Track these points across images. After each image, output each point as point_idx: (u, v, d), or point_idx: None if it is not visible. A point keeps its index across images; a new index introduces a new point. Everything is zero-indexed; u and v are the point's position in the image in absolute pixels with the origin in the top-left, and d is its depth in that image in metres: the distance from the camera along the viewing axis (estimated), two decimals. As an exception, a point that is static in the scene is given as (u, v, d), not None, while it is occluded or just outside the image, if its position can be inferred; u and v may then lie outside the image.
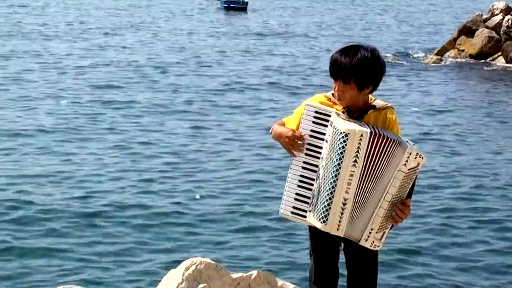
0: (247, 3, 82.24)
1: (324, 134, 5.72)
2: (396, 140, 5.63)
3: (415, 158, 5.64)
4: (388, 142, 5.61)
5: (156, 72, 37.22)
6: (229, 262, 13.48)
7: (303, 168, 5.83)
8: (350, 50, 5.79)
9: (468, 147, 24.15)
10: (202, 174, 20.59)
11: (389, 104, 6.02)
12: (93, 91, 31.42)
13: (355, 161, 5.59)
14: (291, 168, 5.88)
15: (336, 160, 5.60)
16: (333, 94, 5.91)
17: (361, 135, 5.56)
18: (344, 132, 5.56)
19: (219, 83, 34.40)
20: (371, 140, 5.57)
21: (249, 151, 22.80)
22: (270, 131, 6.03)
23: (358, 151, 5.57)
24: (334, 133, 5.62)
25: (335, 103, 5.87)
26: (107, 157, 21.70)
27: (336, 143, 5.60)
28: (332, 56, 5.83)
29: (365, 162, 5.60)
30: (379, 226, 5.77)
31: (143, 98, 30.38)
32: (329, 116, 5.72)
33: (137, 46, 47.34)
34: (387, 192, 5.69)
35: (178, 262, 8.67)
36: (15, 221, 16.38)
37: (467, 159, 22.68)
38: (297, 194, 5.85)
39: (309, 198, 5.81)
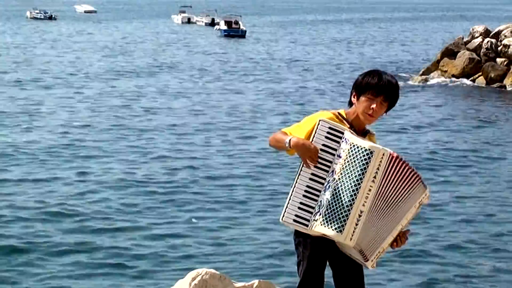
0: (245, 31, 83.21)
1: (334, 149, 5.71)
2: (415, 171, 5.73)
3: (428, 196, 5.80)
4: (407, 167, 5.69)
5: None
6: (233, 272, 13.41)
7: (310, 179, 5.78)
8: (390, 75, 5.95)
9: (454, 160, 24.13)
10: (207, 187, 20.58)
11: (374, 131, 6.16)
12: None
13: (375, 177, 5.63)
14: (297, 178, 5.81)
15: (358, 174, 5.63)
16: (340, 114, 5.95)
17: (384, 154, 5.62)
18: (369, 149, 5.61)
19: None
20: (390, 159, 5.64)
21: (251, 168, 22.77)
22: (270, 139, 5.99)
23: (378, 168, 5.63)
24: (352, 149, 5.64)
25: (342, 121, 5.87)
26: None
27: (357, 159, 5.62)
28: (382, 75, 5.90)
29: (382, 178, 5.65)
30: (383, 250, 5.85)
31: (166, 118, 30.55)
32: (342, 133, 5.71)
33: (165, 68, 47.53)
34: (399, 223, 5.78)
35: (185, 271, 8.63)
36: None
37: (451, 173, 22.70)
38: (301, 203, 5.78)
39: (312, 208, 5.76)
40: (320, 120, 5.75)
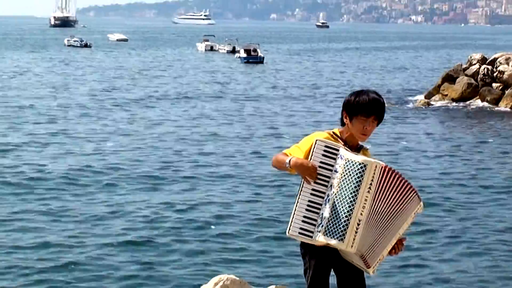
0: (262, 58, 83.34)
1: (331, 165, 5.77)
2: (409, 183, 5.81)
3: (421, 206, 5.88)
4: (400, 179, 5.77)
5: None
6: (252, 277, 13.40)
7: (312, 194, 5.84)
8: (375, 92, 6.02)
9: (454, 175, 24.08)
10: (226, 195, 20.68)
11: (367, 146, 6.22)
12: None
13: (370, 187, 5.70)
14: (300, 194, 5.88)
15: (354, 186, 5.69)
16: (334, 133, 6.02)
17: (376, 166, 5.69)
18: (362, 163, 5.68)
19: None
20: (384, 171, 5.71)
21: (268, 178, 22.80)
22: (272, 160, 6.07)
23: (372, 179, 5.69)
24: (347, 164, 5.71)
25: (336, 140, 5.95)
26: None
27: (352, 172, 5.69)
28: (369, 95, 5.96)
29: (376, 189, 5.72)
30: (383, 257, 5.93)
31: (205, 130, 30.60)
32: (337, 150, 5.78)
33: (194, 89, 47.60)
34: (398, 232, 5.86)
35: (208, 277, 8.64)
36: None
37: (454, 185, 22.63)
38: (304, 217, 5.84)
39: (315, 220, 5.82)
40: (316, 140, 5.84)
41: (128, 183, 22.36)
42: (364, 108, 5.90)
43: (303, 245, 6.06)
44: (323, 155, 5.80)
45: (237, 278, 8.03)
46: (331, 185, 5.79)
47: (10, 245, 16.09)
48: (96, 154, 26.63)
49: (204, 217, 18.74)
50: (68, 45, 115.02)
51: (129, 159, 25.76)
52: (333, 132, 6.04)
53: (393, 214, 5.79)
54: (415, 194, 5.80)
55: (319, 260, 6.02)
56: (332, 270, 6.18)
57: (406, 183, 5.78)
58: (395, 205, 5.77)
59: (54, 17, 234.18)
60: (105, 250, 15.95)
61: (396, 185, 5.75)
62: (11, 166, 23.99)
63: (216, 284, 7.88)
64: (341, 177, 5.74)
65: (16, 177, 22.55)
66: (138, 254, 15.85)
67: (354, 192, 5.70)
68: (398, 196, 5.76)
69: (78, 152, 26.86)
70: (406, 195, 5.78)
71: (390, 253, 5.93)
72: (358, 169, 5.68)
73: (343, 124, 6.04)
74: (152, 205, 19.83)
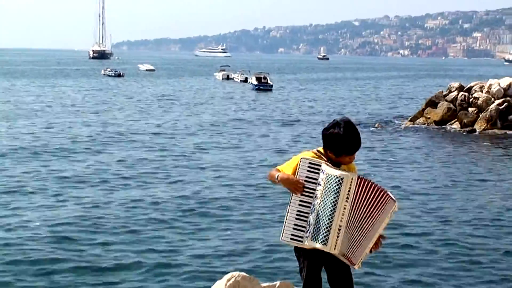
0: (272, 85, 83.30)
1: (315, 179, 5.86)
2: (383, 188, 5.86)
3: (396, 206, 5.89)
4: (374, 186, 5.81)
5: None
6: (259, 273, 13.36)
7: (300, 204, 5.93)
8: (350, 128, 6.00)
9: (436, 193, 24.01)
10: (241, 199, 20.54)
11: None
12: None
13: (347, 197, 5.78)
14: (289, 205, 5.97)
15: (334, 197, 5.77)
16: (318, 151, 6.09)
17: (352, 178, 5.77)
18: (340, 177, 5.77)
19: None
20: (359, 182, 5.78)
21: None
22: (268, 174, 6.19)
23: (349, 190, 5.77)
24: (328, 178, 5.80)
25: (320, 157, 6.01)
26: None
27: (332, 185, 5.78)
28: (356, 139, 6.01)
29: (354, 198, 5.79)
30: (366, 254, 5.98)
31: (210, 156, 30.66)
32: (320, 166, 5.87)
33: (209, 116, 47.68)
34: (377, 231, 5.89)
35: (222, 273, 8.65)
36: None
37: (433, 200, 22.59)
38: (294, 224, 5.94)
39: (304, 227, 5.91)
40: (301, 158, 5.95)
41: (141, 181, 22.52)
42: (348, 151, 6.00)
43: (296, 248, 6.17)
44: (308, 170, 5.89)
45: (247, 275, 8.05)
46: (315, 196, 5.88)
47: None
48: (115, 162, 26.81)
49: (217, 218, 18.74)
50: (104, 75, 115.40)
51: (151, 161, 25.94)
52: (317, 150, 6.10)
53: (371, 216, 5.83)
54: (389, 197, 5.83)
55: (311, 260, 6.11)
56: (323, 267, 6.25)
57: (380, 189, 5.82)
58: (372, 209, 5.81)
59: (93, 51, 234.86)
60: (118, 247, 15.89)
61: (372, 192, 5.80)
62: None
63: (228, 280, 7.89)
64: (323, 189, 5.83)
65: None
66: (152, 251, 15.71)
67: (334, 202, 5.79)
68: (374, 201, 5.81)
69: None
70: (382, 199, 5.82)
71: (371, 249, 5.97)
72: (336, 182, 5.77)
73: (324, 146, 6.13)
74: (167, 204, 19.94)
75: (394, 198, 5.86)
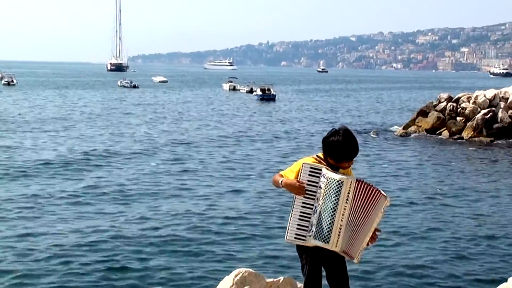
0: (275, 96, 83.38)
1: (316, 183, 5.85)
2: (376, 188, 5.84)
3: (389, 203, 5.88)
4: (369, 187, 5.82)
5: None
6: (264, 270, 13.34)
7: (302, 206, 5.92)
8: (349, 135, 5.98)
9: (424, 192, 23.99)
10: (248, 199, 20.56)
11: None
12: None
13: (347, 199, 5.77)
14: (293, 207, 5.96)
15: (335, 199, 5.77)
16: (318, 156, 6.06)
17: (351, 182, 5.76)
18: (340, 180, 5.75)
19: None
20: (357, 185, 5.78)
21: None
22: (272, 179, 6.17)
23: (349, 192, 5.76)
24: (328, 181, 5.78)
25: (320, 162, 5.99)
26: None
27: (332, 188, 5.77)
28: (355, 145, 5.99)
29: (353, 199, 5.79)
30: (363, 248, 5.98)
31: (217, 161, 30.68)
32: (320, 170, 5.85)
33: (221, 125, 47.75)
34: (372, 226, 5.89)
35: (229, 270, 8.64)
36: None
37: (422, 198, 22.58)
38: (298, 225, 5.93)
39: (307, 227, 5.91)
40: (303, 164, 5.93)
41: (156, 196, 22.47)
42: (348, 157, 6.00)
43: (299, 246, 6.15)
44: (309, 174, 5.87)
45: (253, 271, 8.05)
46: (317, 198, 5.87)
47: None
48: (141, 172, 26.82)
49: (224, 220, 18.68)
50: (121, 86, 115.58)
51: (165, 172, 25.94)
52: (317, 156, 6.08)
53: (367, 214, 5.85)
54: (381, 194, 5.83)
55: (312, 257, 6.11)
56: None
57: (374, 189, 5.83)
58: (368, 207, 5.83)
59: (110, 64, 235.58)
60: (135, 247, 15.92)
61: (367, 192, 5.81)
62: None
63: (236, 275, 7.89)
64: (324, 192, 5.83)
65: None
66: (168, 253, 15.74)
67: (335, 203, 5.79)
68: (369, 200, 5.82)
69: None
70: (375, 197, 5.83)
71: (368, 243, 5.98)
72: (336, 185, 5.76)
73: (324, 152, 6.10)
74: (179, 210, 19.91)
75: (385, 195, 5.87)
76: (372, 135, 43.00)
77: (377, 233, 6.03)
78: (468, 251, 16.26)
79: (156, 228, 17.65)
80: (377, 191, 5.84)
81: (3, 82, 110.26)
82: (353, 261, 6.02)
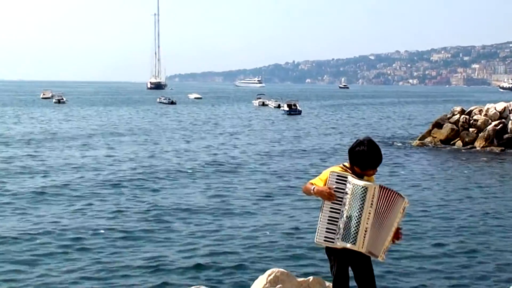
0: (300, 111, 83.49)
1: (343, 189, 5.90)
2: (395, 191, 5.91)
3: (407, 204, 5.95)
4: (390, 191, 5.88)
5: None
6: (296, 270, 13.27)
7: (330, 211, 5.97)
8: (373, 146, 6.03)
9: (441, 199, 23.75)
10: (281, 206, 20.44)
11: None
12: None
13: (372, 203, 5.82)
14: (322, 211, 6.01)
15: (360, 204, 5.82)
16: (344, 165, 6.11)
17: (375, 187, 5.83)
18: (365, 187, 5.83)
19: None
20: (380, 190, 5.84)
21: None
22: (303, 188, 6.21)
23: (373, 197, 5.82)
24: (354, 187, 5.85)
25: (346, 170, 6.04)
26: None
27: (358, 193, 5.83)
28: (379, 154, 6.03)
29: (377, 203, 5.84)
30: (387, 246, 6.02)
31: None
32: (346, 178, 5.92)
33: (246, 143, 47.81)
34: (394, 226, 5.94)
35: (263, 271, 8.63)
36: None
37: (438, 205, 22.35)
38: (327, 228, 5.99)
39: (335, 230, 5.95)
40: (330, 172, 6.01)
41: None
42: (372, 166, 6.03)
43: (327, 248, 6.18)
44: (336, 182, 5.94)
45: (285, 271, 8.05)
46: (344, 204, 5.92)
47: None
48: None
49: (257, 226, 18.57)
50: (159, 102, 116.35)
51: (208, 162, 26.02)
52: (343, 165, 6.14)
53: (389, 215, 5.89)
54: (399, 196, 5.90)
55: (340, 258, 6.14)
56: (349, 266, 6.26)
57: (393, 192, 5.89)
58: (389, 209, 5.88)
59: (150, 82, 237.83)
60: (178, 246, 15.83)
61: (388, 196, 5.86)
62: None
63: (269, 275, 7.90)
64: (350, 197, 5.88)
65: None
66: (195, 250, 15.62)
67: (360, 207, 5.84)
68: (390, 202, 5.87)
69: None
70: (395, 200, 5.89)
71: (392, 241, 6.01)
72: (362, 191, 5.82)
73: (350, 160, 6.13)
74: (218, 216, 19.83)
75: (403, 196, 5.94)
76: (392, 145, 42.86)
77: (400, 231, 6.06)
78: (481, 253, 16.07)
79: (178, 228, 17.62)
80: (396, 194, 5.89)
81: (54, 100, 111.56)
82: (378, 259, 6.03)
